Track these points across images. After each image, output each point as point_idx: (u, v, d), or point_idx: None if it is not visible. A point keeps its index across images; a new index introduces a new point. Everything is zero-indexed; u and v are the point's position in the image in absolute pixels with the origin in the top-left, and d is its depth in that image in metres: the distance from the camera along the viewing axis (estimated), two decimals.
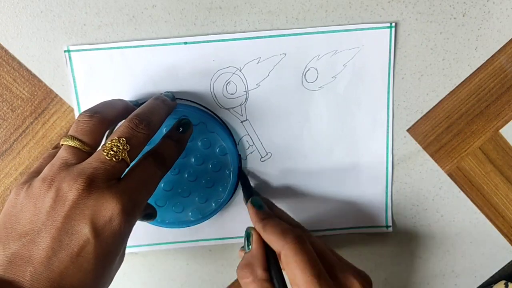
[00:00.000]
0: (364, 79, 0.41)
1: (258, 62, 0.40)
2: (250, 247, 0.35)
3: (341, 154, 0.42)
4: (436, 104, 0.42)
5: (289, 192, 0.43)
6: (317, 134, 0.42)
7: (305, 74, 0.40)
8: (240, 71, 0.40)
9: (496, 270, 0.45)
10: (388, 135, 0.42)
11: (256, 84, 0.40)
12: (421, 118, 0.42)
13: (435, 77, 0.41)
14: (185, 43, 0.39)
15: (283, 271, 0.34)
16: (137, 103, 0.38)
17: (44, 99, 0.40)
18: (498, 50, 0.41)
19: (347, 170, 0.43)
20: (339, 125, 0.42)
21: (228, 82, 0.40)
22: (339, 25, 0.39)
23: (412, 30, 0.40)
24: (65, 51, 0.39)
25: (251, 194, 0.39)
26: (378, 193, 0.43)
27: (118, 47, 0.39)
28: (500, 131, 0.43)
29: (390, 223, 0.44)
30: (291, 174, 0.42)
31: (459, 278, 0.46)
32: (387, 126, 0.42)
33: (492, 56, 0.41)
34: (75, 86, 0.40)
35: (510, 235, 0.45)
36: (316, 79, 0.41)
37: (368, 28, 0.40)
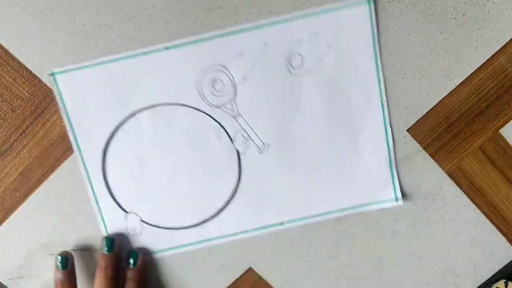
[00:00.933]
0: (350, 57, 0.40)
1: (241, 56, 0.40)
2: None
3: (339, 134, 0.42)
4: (436, 104, 0.42)
5: (291, 179, 0.43)
6: (312, 119, 0.41)
7: (290, 61, 0.40)
8: (224, 67, 0.40)
9: (497, 270, 0.45)
10: (383, 107, 0.41)
11: (243, 78, 0.40)
12: (421, 118, 0.42)
13: (435, 77, 0.41)
14: (166, 48, 0.39)
15: None
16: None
17: (44, 99, 0.40)
18: (498, 50, 0.41)
19: (348, 149, 0.42)
20: (333, 106, 0.41)
21: (215, 80, 0.40)
22: (317, 6, 0.39)
23: (412, 30, 0.40)
24: (49, 75, 0.39)
25: None
26: (382, 166, 0.43)
27: (101, 63, 0.39)
28: (500, 131, 0.43)
29: (399, 195, 0.43)
30: (291, 162, 0.42)
31: (459, 278, 0.46)
32: (381, 98, 0.41)
33: (492, 56, 0.41)
34: (64, 107, 0.40)
35: (510, 235, 0.45)
36: (302, 64, 0.40)
37: (347, 6, 0.39)
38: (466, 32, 0.40)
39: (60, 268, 0.41)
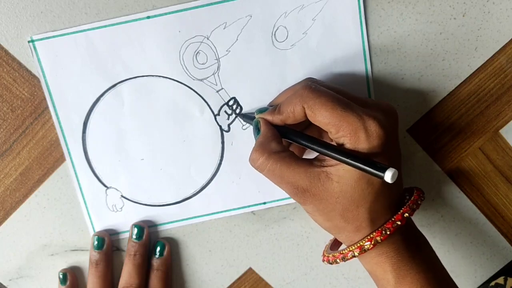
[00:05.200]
0: (336, 31, 0.40)
1: (224, 28, 0.39)
2: (259, 132, 0.36)
3: None
4: (436, 104, 0.42)
5: None
6: None
7: (275, 34, 0.39)
8: (207, 39, 0.39)
9: (497, 270, 0.45)
10: (369, 85, 0.41)
11: (226, 51, 0.40)
12: (421, 118, 0.42)
13: (435, 77, 0.41)
14: (148, 17, 0.39)
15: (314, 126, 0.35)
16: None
17: (44, 99, 0.40)
18: (498, 50, 0.41)
19: None
20: None
21: (198, 52, 0.39)
22: None
23: (412, 30, 0.40)
24: (29, 42, 0.39)
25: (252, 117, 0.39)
26: None
27: (81, 31, 0.39)
28: (500, 131, 0.43)
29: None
30: None
31: (459, 278, 0.46)
32: (367, 76, 0.41)
33: (492, 56, 0.41)
34: (44, 76, 0.39)
35: (510, 235, 0.45)
36: (287, 38, 0.40)
37: None
38: (466, 33, 0.40)
39: (96, 248, 0.42)
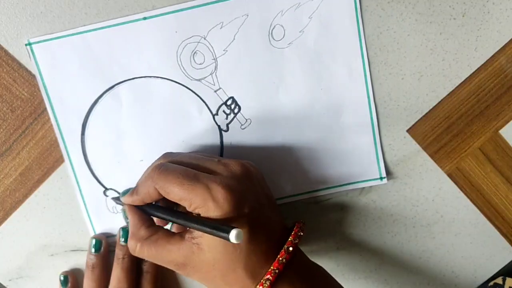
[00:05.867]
0: (332, 28, 0.40)
1: (221, 27, 0.39)
2: (128, 220, 0.37)
3: (322, 109, 0.41)
4: (436, 105, 0.42)
5: (274, 156, 0.42)
6: (295, 92, 0.41)
7: (272, 33, 0.39)
8: (204, 39, 0.39)
9: (496, 270, 0.45)
10: (367, 82, 0.41)
11: (223, 50, 0.40)
12: (421, 118, 0.42)
13: (435, 77, 0.41)
14: (144, 18, 0.39)
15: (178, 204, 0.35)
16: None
17: (44, 99, 0.40)
18: (498, 51, 0.41)
19: (331, 125, 0.41)
20: (316, 80, 0.40)
21: (195, 52, 0.39)
22: None
23: (412, 30, 0.40)
24: (26, 45, 0.39)
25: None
26: (366, 144, 0.42)
27: (78, 33, 0.39)
28: (500, 131, 0.43)
29: (384, 174, 0.43)
30: (273, 137, 0.41)
31: (459, 278, 0.46)
32: (365, 73, 0.41)
33: (492, 56, 0.41)
34: (42, 79, 0.39)
35: (509, 235, 0.45)
36: (284, 36, 0.40)
37: None
38: (466, 33, 0.40)
39: (93, 251, 0.42)
